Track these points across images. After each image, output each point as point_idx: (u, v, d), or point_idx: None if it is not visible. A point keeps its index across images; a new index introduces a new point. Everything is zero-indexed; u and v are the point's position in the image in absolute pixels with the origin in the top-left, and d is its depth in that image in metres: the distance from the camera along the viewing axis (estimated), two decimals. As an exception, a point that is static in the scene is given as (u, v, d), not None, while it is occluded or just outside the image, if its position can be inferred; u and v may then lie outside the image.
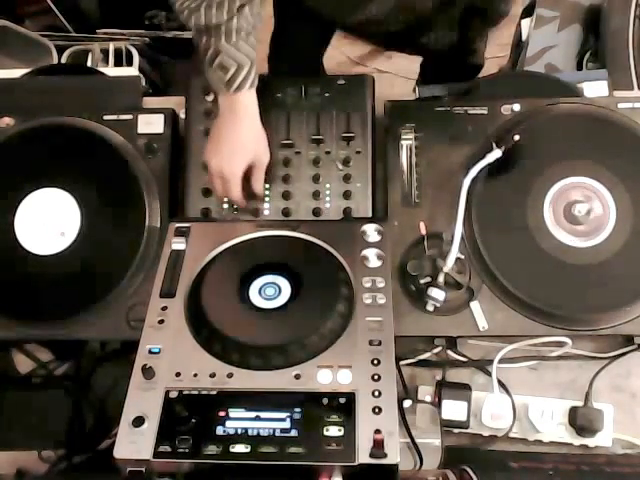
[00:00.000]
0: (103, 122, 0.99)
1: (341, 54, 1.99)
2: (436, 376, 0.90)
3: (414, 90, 1.10)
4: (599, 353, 0.91)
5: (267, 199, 0.97)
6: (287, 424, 0.68)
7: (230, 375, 0.73)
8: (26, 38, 1.77)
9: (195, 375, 0.74)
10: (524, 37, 1.63)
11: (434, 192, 0.94)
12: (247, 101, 0.89)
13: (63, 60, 1.72)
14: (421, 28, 1.16)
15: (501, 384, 0.88)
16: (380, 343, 0.76)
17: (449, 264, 0.87)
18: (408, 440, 0.83)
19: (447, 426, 0.85)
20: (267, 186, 0.97)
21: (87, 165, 0.97)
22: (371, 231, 0.89)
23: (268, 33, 1.37)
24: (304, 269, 0.84)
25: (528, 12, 1.65)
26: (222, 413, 0.70)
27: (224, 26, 0.83)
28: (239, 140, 0.90)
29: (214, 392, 0.72)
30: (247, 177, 0.93)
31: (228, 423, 0.69)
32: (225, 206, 0.97)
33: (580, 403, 0.87)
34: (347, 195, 0.96)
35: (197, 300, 0.81)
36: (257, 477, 0.68)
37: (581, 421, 0.85)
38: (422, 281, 0.88)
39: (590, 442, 0.87)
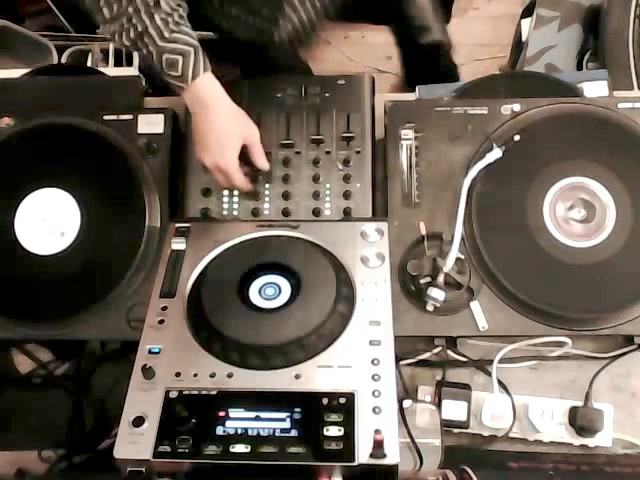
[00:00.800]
0: (103, 122, 0.99)
1: (341, 54, 1.99)
2: (436, 376, 0.90)
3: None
4: (599, 353, 0.91)
5: (267, 199, 0.97)
6: (287, 424, 0.69)
7: (230, 375, 0.73)
8: (26, 38, 1.77)
9: (195, 375, 0.74)
10: (524, 37, 1.63)
11: (434, 192, 0.94)
12: (209, 86, 0.88)
13: (63, 60, 1.71)
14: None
15: (501, 384, 0.88)
16: (380, 343, 0.76)
17: (449, 264, 0.87)
18: (408, 440, 0.83)
19: (447, 426, 0.85)
20: (267, 186, 0.98)
21: (87, 165, 0.97)
22: (371, 231, 0.89)
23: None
24: (304, 269, 0.84)
25: (528, 12, 1.65)
26: (222, 413, 0.70)
27: (149, 28, 0.83)
28: (221, 129, 0.89)
29: (214, 392, 0.72)
30: (246, 158, 0.93)
31: (228, 423, 0.69)
32: (225, 206, 0.97)
33: (580, 403, 0.87)
34: (347, 195, 0.96)
35: (197, 300, 0.81)
36: (257, 477, 0.68)
37: (581, 421, 0.85)
38: (422, 281, 0.88)
39: (590, 442, 0.86)
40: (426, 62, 1.47)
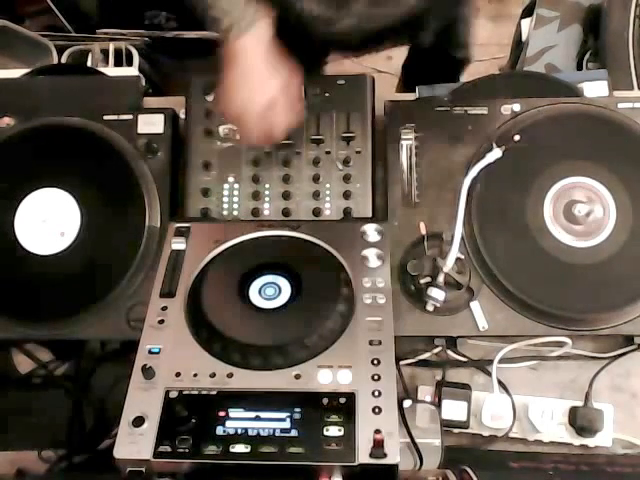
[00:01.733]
0: (103, 122, 0.99)
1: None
2: (436, 376, 0.90)
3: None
4: (599, 353, 0.91)
5: (267, 199, 0.97)
6: (287, 424, 0.68)
7: (230, 375, 0.73)
8: (26, 38, 1.77)
9: (195, 375, 0.73)
10: (524, 37, 1.63)
11: (434, 192, 0.94)
12: (251, 45, 0.85)
13: (63, 60, 1.72)
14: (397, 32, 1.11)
15: (501, 384, 0.88)
16: (380, 343, 0.75)
17: (449, 264, 0.87)
18: (408, 440, 0.83)
19: (447, 426, 0.85)
20: (267, 186, 0.98)
21: (87, 165, 0.97)
22: (371, 231, 0.89)
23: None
24: (304, 269, 0.83)
25: (528, 12, 1.65)
26: (222, 413, 0.70)
27: None
28: (259, 73, 0.86)
29: (214, 392, 0.72)
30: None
31: (228, 423, 0.69)
32: (225, 206, 0.97)
33: (580, 403, 0.87)
34: (347, 195, 0.96)
35: (197, 300, 0.81)
36: (257, 477, 0.68)
37: (581, 421, 0.85)
38: (422, 281, 0.88)
39: (590, 442, 0.86)
40: (444, 73, 1.44)
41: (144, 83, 1.20)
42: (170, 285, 0.84)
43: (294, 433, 0.68)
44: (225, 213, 0.97)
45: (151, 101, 1.10)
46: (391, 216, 0.93)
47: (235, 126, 0.92)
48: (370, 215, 0.95)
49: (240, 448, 0.67)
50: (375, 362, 0.74)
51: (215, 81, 0.94)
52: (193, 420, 0.69)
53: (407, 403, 0.84)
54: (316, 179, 0.97)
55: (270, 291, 0.82)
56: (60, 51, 1.75)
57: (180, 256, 0.87)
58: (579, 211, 0.91)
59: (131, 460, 0.67)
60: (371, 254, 0.86)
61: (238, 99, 0.87)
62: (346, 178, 0.96)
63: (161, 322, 0.79)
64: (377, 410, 0.69)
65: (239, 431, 0.68)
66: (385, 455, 0.65)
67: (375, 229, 0.89)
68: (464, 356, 0.91)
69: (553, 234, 0.90)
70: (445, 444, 0.82)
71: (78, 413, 0.91)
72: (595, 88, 1.03)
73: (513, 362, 0.91)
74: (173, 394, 0.72)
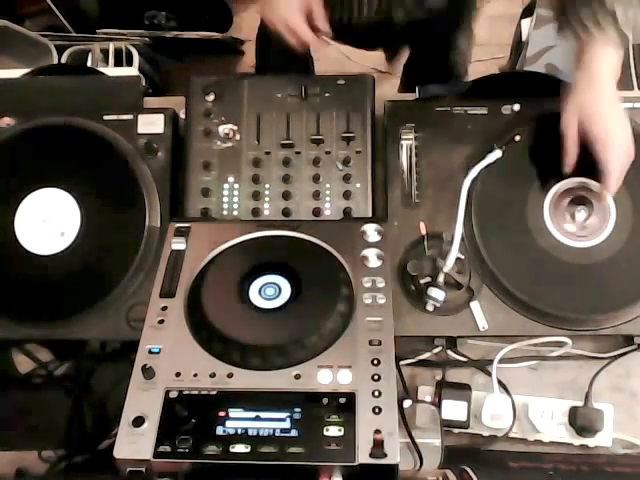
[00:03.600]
0: (103, 122, 0.99)
1: (341, 54, 1.99)
2: (436, 376, 0.90)
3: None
4: (599, 353, 0.91)
5: (267, 199, 0.97)
6: (287, 424, 0.68)
7: (230, 375, 0.73)
8: (26, 38, 1.78)
9: (195, 375, 0.74)
10: (524, 37, 1.63)
11: (434, 192, 0.94)
12: None
13: (63, 60, 1.72)
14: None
15: (501, 384, 0.88)
16: (380, 343, 0.75)
17: (449, 264, 0.87)
18: (408, 440, 0.83)
19: (447, 426, 0.85)
20: (267, 186, 0.98)
21: (87, 165, 0.97)
22: (371, 231, 0.89)
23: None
24: (304, 269, 0.83)
25: (528, 12, 1.65)
26: (222, 413, 0.70)
27: None
28: None
29: (214, 392, 0.72)
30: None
31: (228, 423, 0.69)
32: (225, 206, 0.97)
33: (580, 403, 0.87)
34: (347, 195, 0.96)
35: (197, 300, 0.81)
36: (257, 477, 0.68)
37: (581, 421, 0.85)
38: (422, 281, 0.88)
39: (590, 442, 0.87)
40: (443, 73, 1.47)
41: (144, 83, 1.20)
42: (170, 285, 0.84)
43: (294, 433, 0.68)
44: (225, 213, 0.97)
45: (151, 101, 1.10)
46: (391, 216, 0.93)
47: (283, 31, 0.95)
48: (370, 215, 0.96)
49: (240, 448, 0.67)
50: (375, 362, 0.74)
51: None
52: (193, 420, 0.69)
53: (407, 403, 0.84)
54: (316, 179, 0.97)
55: (270, 291, 0.82)
56: (60, 51, 1.75)
57: (180, 256, 0.87)
58: (579, 211, 0.91)
59: (131, 460, 0.67)
60: (371, 254, 0.86)
61: (279, 16, 0.93)
62: (346, 178, 0.97)
63: (161, 322, 0.79)
64: (377, 410, 0.69)
65: (239, 431, 0.68)
66: (385, 455, 0.65)
67: (375, 229, 0.89)
68: (464, 356, 0.91)
69: (553, 234, 0.90)
70: (445, 444, 0.82)
71: (78, 413, 0.91)
72: (595, 88, 1.03)
73: (513, 362, 0.91)
74: (173, 394, 0.72)
